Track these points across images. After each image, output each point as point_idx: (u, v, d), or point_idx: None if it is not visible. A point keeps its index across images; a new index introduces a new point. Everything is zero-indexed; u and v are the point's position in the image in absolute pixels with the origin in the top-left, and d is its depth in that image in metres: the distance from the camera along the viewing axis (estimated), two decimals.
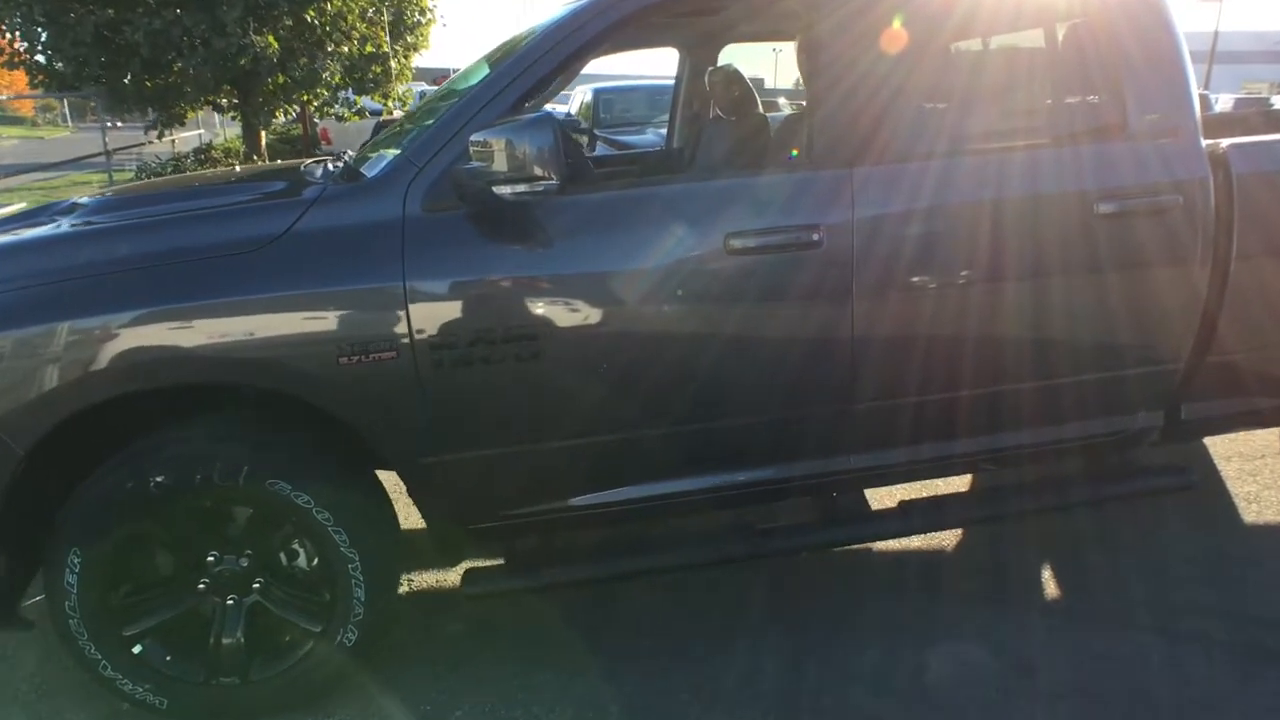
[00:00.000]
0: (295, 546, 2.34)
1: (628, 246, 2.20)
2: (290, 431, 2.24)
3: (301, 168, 2.97)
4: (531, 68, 2.23)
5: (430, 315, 2.12)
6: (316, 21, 11.73)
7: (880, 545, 3.04)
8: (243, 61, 10.84)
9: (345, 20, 12.25)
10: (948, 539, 3.10)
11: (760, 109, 3.71)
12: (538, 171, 1.97)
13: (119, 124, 18.18)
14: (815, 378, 2.38)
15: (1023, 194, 2.39)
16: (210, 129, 22.38)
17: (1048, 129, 2.80)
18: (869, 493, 3.06)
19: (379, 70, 13.13)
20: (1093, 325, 2.50)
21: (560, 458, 2.32)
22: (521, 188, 2.00)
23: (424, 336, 2.12)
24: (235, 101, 12.88)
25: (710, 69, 3.80)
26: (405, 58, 13.66)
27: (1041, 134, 2.74)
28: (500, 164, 1.98)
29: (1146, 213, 2.44)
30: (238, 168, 3.02)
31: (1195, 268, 2.50)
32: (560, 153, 2.00)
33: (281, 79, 11.93)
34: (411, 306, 2.10)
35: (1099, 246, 2.44)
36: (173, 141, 16.54)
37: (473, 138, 2.03)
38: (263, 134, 13.57)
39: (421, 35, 14.15)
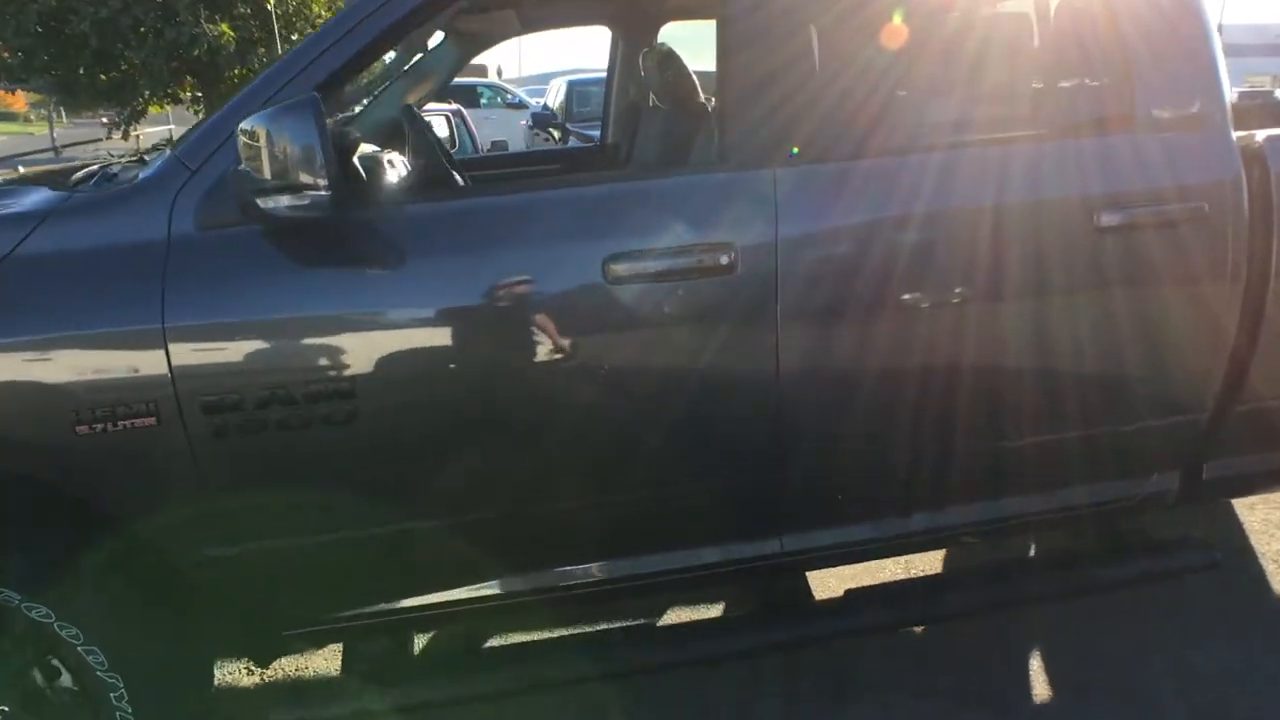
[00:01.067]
0: (56, 664, 1.80)
1: (464, 277, 1.66)
2: (19, 524, 1.69)
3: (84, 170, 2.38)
4: (349, 35, 1.68)
5: (203, 369, 1.58)
6: (277, 10, 11.13)
7: None
8: (197, 52, 10.25)
9: (310, 8, 11.67)
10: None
11: (702, 97, 3.16)
12: (303, 177, 1.43)
13: (104, 119, 17.54)
14: (731, 440, 1.84)
15: (1001, 202, 1.85)
16: (184, 124, 21.76)
17: (1034, 119, 2.26)
18: (818, 577, 2.52)
19: None
20: (1094, 367, 1.96)
21: (393, 546, 1.78)
22: (287, 199, 1.45)
23: (195, 396, 1.58)
24: (199, 95, 12.30)
25: (644, 50, 3.25)
26: None
27: (1027, 125, 2.20)
28: (265, 166, 1.44)
29: (1160, 224, 1.90)
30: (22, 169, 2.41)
31: (1223, 292, 1.96)
32: (328, 150, 1.45)
33: (243, 70, 11.34)
34: (176, 357, 1.56)
35: (1100, 268, 1.90)
36: (137, 137, 15.96)
37: (241, 127, 1.49)
38: None
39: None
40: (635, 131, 3.37)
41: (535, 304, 1.67)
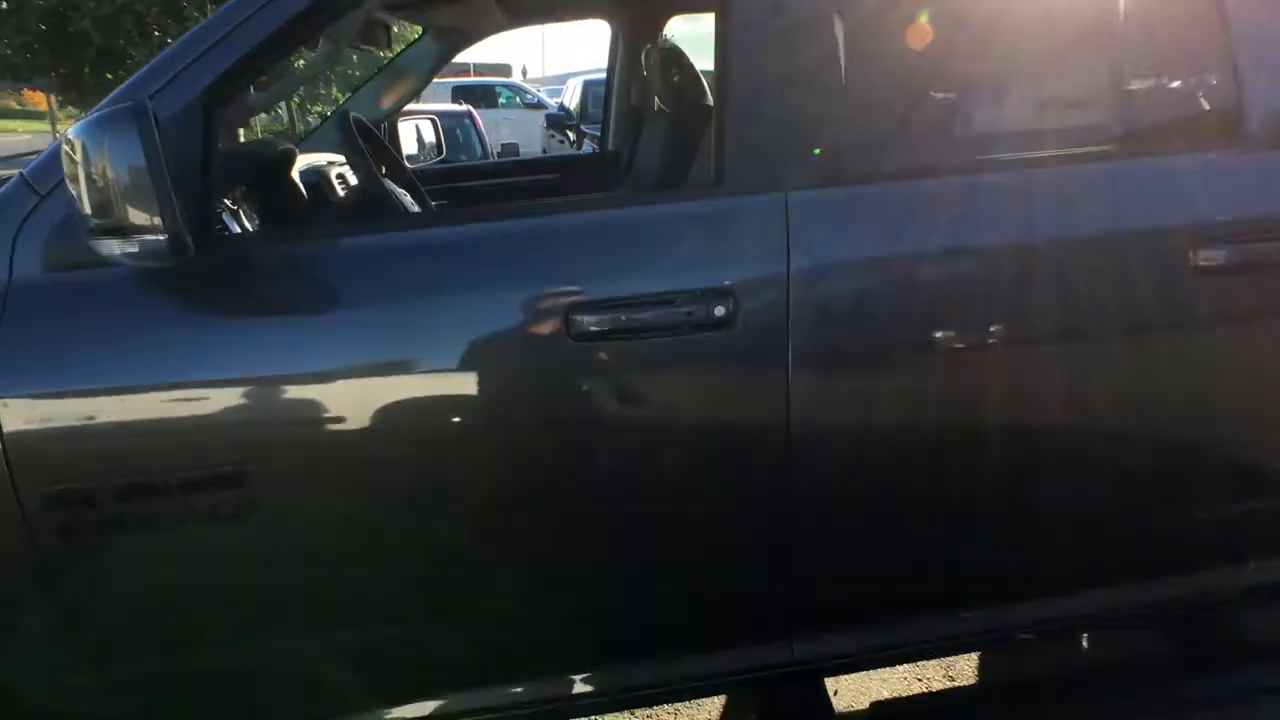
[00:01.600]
0: None
1: (382, 335, 1.30)
2: None
3: None
4: (241, 28, 1.32)
5: (46, 451, 1.24)
6: None
7: None
8: None
9: None
10: None
11: (711, 101, 2.78)
12: (131, 215, 1.07)
13: None
14: (729, 523, 1.47)
15: (1069, 236, 1.47)
16: None
17: (1107, 129, 1.86)
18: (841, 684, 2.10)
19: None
20: (1192, 435, 1.58)
21: (313, 669, 1.43)
22: (118, 244, 1.10)
23: (36, 487, 1.24)
24: None
25: (647, 48, 2.88)
26: (384, 52, 12.78)
27: (1097, 137, 1.81)
28: (83, 196, 1.08)
29: (1274, 263, 1.51)
30: None
31: None
32: (162, 178, 1.08)
33: None
34: (10, 438, 1.22)
35: (1197, 316, 1.51)
36: None
37: (66, 135, 1.13)
38: (240, 131, 12.77)
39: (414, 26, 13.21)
40: (637, 139, 3.00)
41: (478, 366, 1.31)
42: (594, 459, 1.37)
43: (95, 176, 1.05)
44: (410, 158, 3.21)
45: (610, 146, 3.20)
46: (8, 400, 1.21)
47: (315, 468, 1.30)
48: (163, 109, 1.24)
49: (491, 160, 4.28)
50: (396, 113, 2.92)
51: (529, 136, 12.00)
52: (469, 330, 1.31)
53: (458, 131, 8.44)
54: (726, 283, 1.35)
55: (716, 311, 1.33)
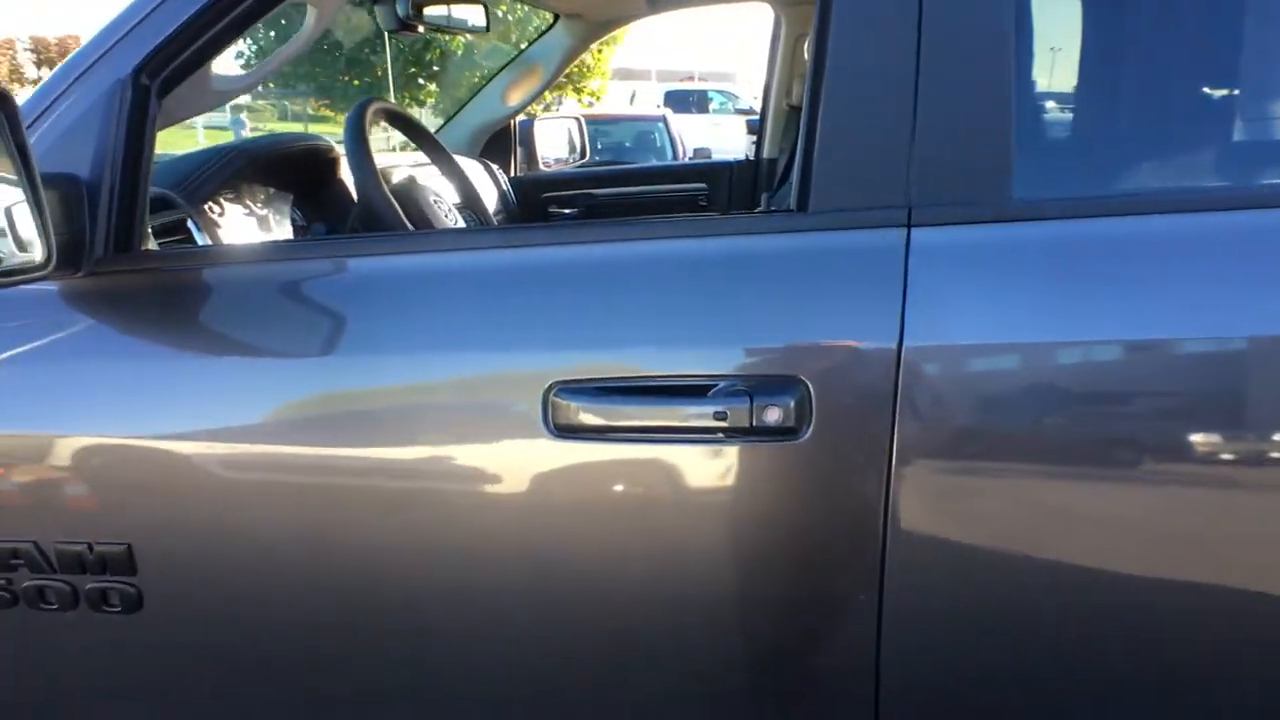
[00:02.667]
0: None
1: (282, 392, 0.94)
2: None
3: None
4: None
5: None
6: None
7: None
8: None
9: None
10: None
11: None
12: None
13: None
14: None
15: None
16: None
17: None
18: None
19: None
20: None
21: None
22: None
23: None
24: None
25: (810, 32, 2.38)
26: (598, 51, 12.90)
27: None
28: None
29: None
30: None
31: None
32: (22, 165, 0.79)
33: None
34: None
35: None
36: None
37: None
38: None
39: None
40: (795, 144, 2.51)
41: (407, 458, 0.92)
42: (573, 592, 0.94)
43: None
44: (545, 160, 2.90)
45: (765, 153, 2.72)
46: None
47: (214, 561, 0.97)
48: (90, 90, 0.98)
49: (635, 166, 3.90)
50: (522, 110, 2.62)
51: (734, 142, 11.62)
52: (407, 402, 0.92)
53: (653, 135, 8.21)
54: (792, 368, 0.87)
55: (770, 416, 0.86)
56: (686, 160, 7.17)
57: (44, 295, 0.98)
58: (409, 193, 1.52)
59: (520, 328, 0.91)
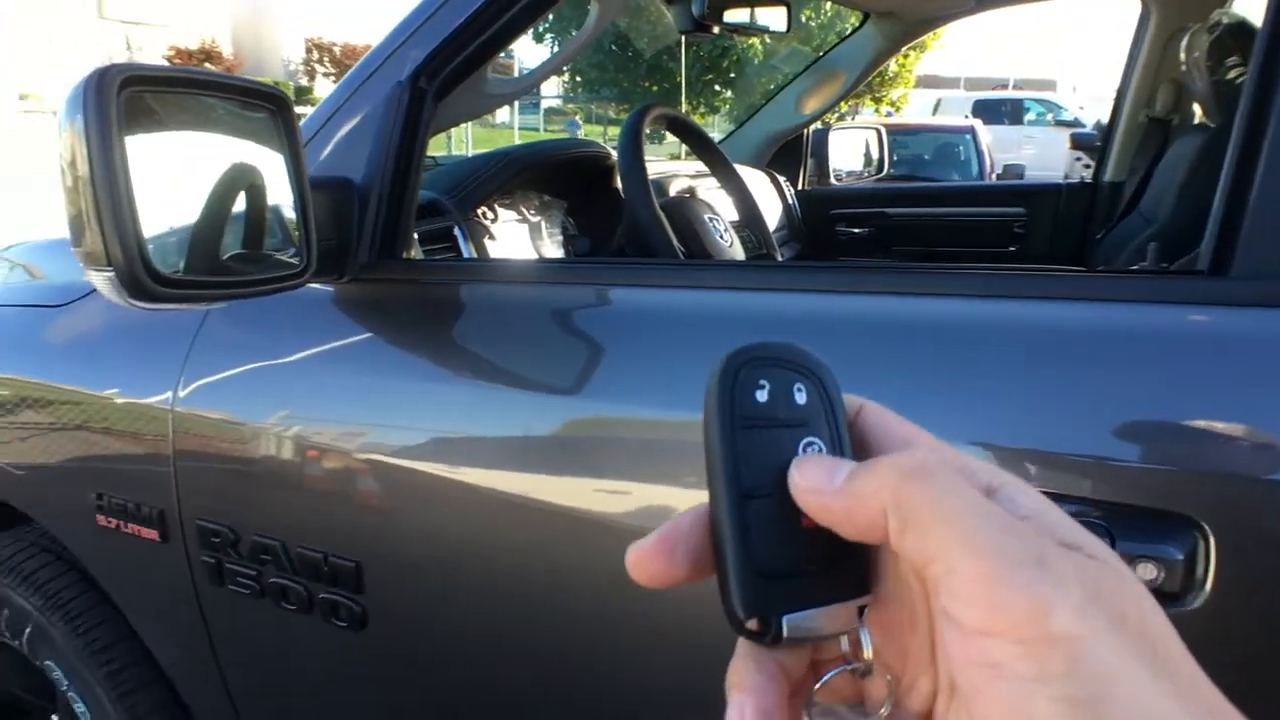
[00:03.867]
0: None
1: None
2: None
3: None
4: None
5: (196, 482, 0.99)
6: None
7: None
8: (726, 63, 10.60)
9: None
10: None
11: None
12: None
13: None
14: None
15: None
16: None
17: None
18: None
19: None
20: None
21: None
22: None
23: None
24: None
25: (1192, 29, 1.90)
26: (904, 57, 12.23)
27: None
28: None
29: None
30: None
31: None
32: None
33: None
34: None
35: None
36: None
37: None
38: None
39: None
40: (1153, 166, 2.04)
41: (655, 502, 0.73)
42: None
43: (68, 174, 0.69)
44: (838, 173, 2.64)
45: (1108, 175, 2.24)
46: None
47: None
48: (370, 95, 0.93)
49: (938, 184, 3.47)
50: (818, 118, 2.37)
51: (1052, 159, 10.44)
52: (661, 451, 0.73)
53: (958, 148, 7.55)
54: (1184, 507, 0.56)
55: (1139, 571, 0.56)
56: (994, 179, 6.51)
57: (316, 297, 0.93)
58: (680, 210, 1.35)
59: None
